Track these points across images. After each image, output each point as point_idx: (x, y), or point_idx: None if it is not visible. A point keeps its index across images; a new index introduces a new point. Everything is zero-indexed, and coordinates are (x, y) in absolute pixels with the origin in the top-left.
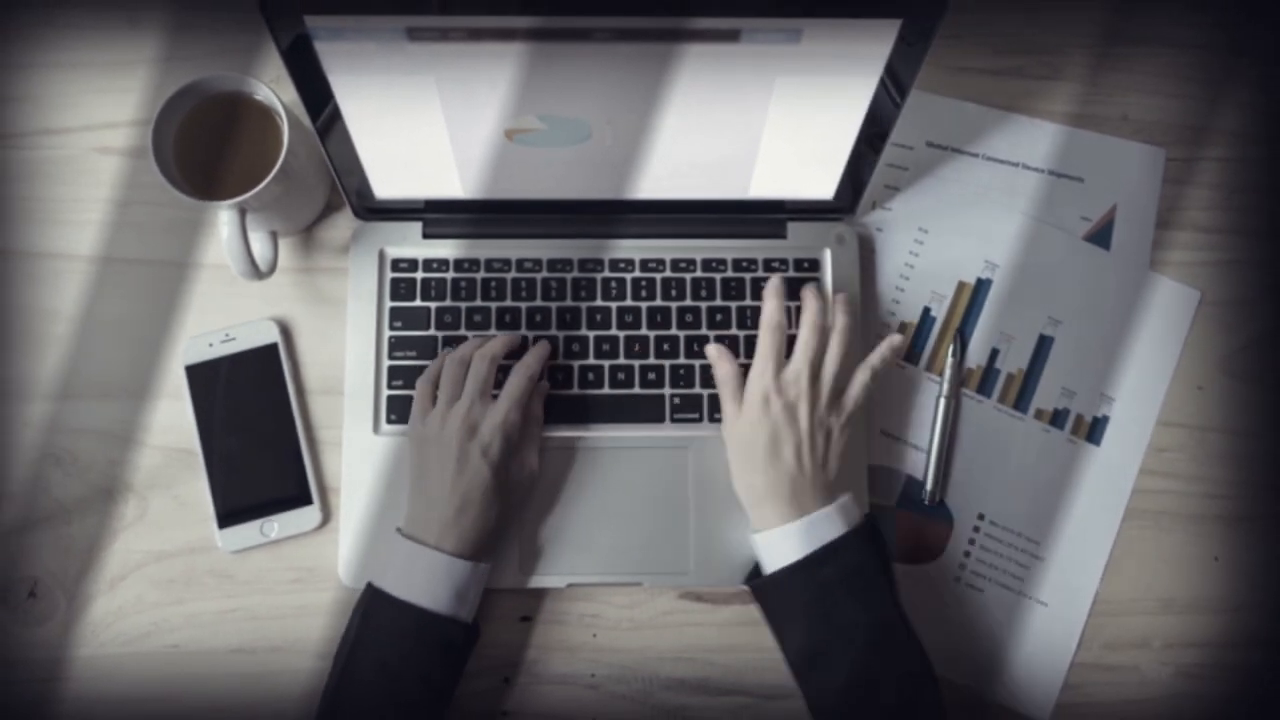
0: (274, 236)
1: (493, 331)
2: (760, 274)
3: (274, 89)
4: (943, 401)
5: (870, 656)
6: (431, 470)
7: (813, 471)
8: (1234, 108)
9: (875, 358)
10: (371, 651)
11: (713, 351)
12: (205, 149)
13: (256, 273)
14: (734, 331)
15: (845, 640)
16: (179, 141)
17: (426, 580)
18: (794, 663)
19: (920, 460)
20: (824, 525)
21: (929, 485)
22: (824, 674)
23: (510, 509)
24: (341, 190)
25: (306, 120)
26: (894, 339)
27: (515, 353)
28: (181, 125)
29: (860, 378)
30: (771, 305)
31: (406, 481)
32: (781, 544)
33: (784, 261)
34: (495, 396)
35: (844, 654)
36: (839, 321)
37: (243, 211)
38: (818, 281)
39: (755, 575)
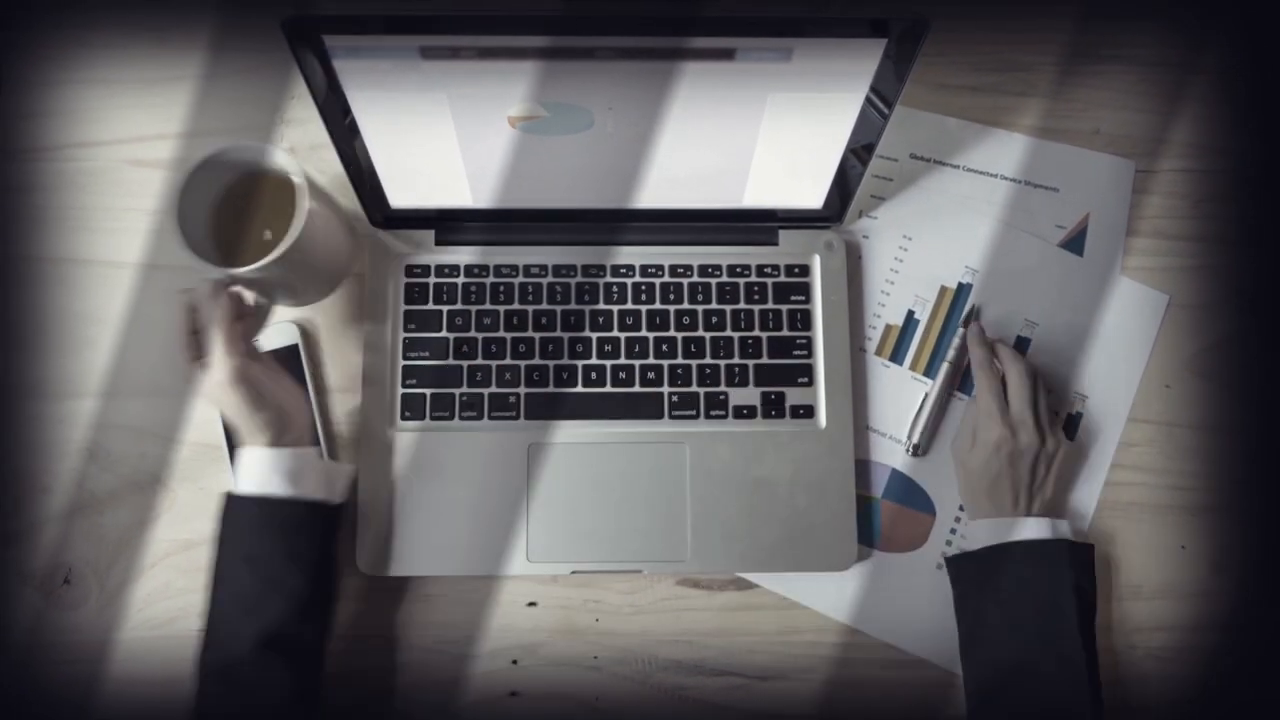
0: (267, 307)
1: (502, 334)
2: (753, 279)
3: (302, 168)
4: (946, 366)
5: (1049, 652)
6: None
7: (1029, 499)
8: (1198, 122)
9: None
10: (235, 547)
11: (980, 358)
12: (238, 216)
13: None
14: (729, 333)
15: (1014, 628)
16: (224, 207)
17: (260, 475)
18: (963, 640)
19: (906, 456)
20: (1032, 530)
21: (916, 437)
22: (993, 647)
23: (277, 389)
24: (358, 199)
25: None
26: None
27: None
28: (227, 192)
29: (1049, 411)
30: (980, 353)
31: (426, 475)
32: (989, 533)
33: (775, 267)
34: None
35: (1005, 642)
36: (1024, 364)
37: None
38: (976, 322)
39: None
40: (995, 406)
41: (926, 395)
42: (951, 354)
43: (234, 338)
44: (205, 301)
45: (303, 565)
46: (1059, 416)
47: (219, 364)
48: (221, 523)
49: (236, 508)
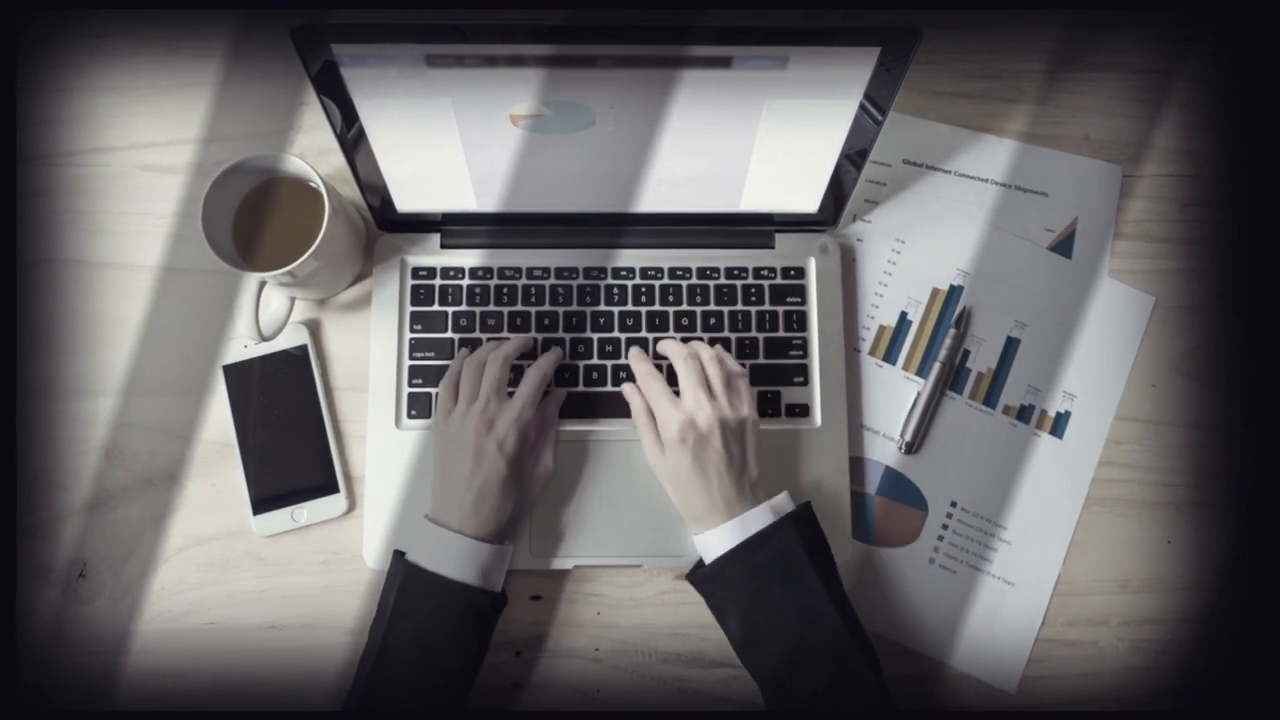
0: (292, 302)
1: (505, 334)
2: (750, 281)
3: (320, 175)
4: (938, 366)
5: (795, 636)
6: (452, 463)
7: (736, 479)
8: (1183, 128)
9: (731, 363)
10: (410, 622)
11: (628, 389)
12: (256, 219)
13: (260, 336)
14: (726, 334)
15: (775, 622)
16: (242, 212)
17: (455, 560)
18: (736, 646)
19: (899, 453)
20: (755, 520)
21: (909, 435)
22: (760, 654)
23: (526, 500)
24: (365, 203)
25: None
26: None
27: (529, 355)
28: (245, 198)
29: (744, 382)
30: (643, 367)
31: (430, 473)
32: (717, 541)
33: (772, 270)
34: (512, 394)
35: (775, 634)
36: (684, 348)
37: (262, 283)
38: (637, 347)
39: (696, 569)
40: (667, 403)
41: (919, 394)
42: (943, 354)
43: (548, 398)
44: (535, 387)
45: (468, 652)
46: (749, 389)
47: (548, 458)
48: (399, 592)
49: (420, 581)
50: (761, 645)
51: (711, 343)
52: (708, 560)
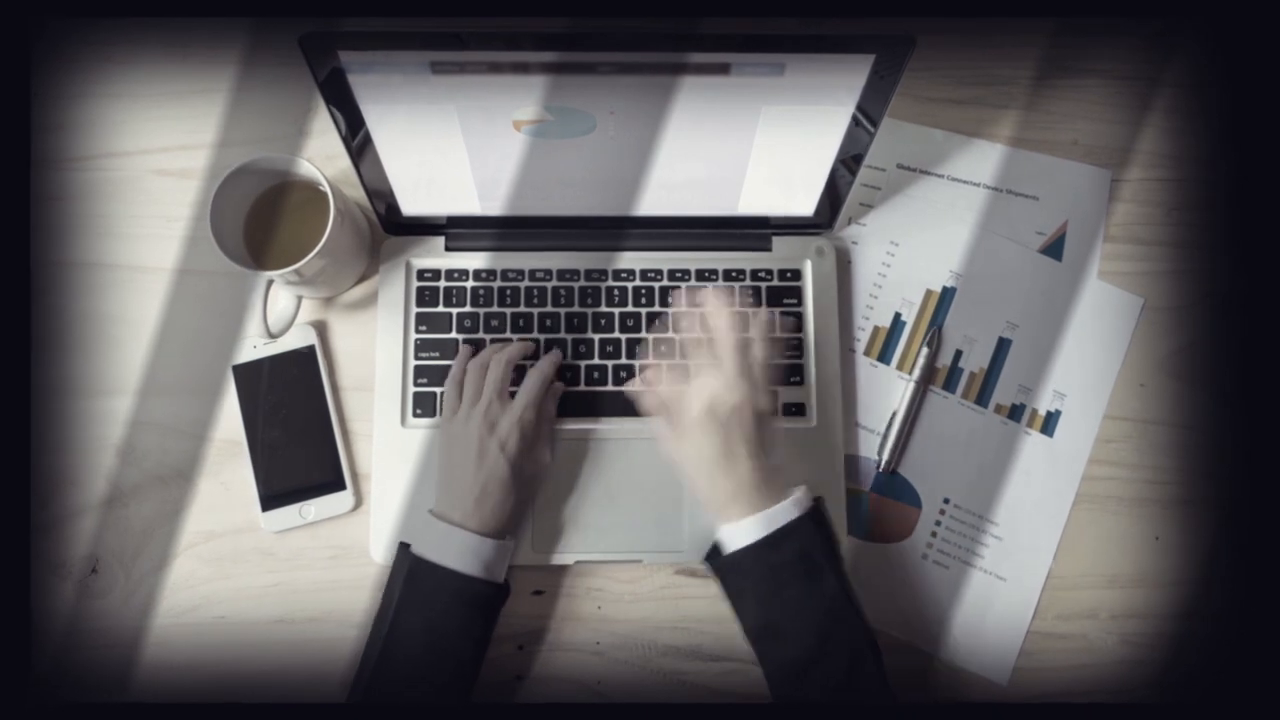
0: (299, 301)
1: (509, 335)
2: (748, 283)
3: (326, 176)
4: (912, 385)
5: (817, 631)
6: (456, 462)
7: (761, 466)
8: (1171, 133)
9: (766, 350)
10: (418, 612)
11: (635, 385)
12: (268, 222)
13: (268, 333)
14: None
15: (794, 616)
16: (254, 215)
17: (459, 553)
18: (751, 636)
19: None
20: (781, 515)
21: (885, 455)
22: (780, 644)
23: (526, 496)
24: (372, 207)
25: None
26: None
27: (531, 357)
28: (256, 201)
29: (764, 373)
30: (686, 322)
31: (435, 470)
32: (741, 533)
33: (769, 272)
34: (514, 394)
35: (794, 628)
36: (737, 325)
37: (270, 282)
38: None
39: (714, 555)
40: (706, 376)
41: (894, 414)
42: (917, 373)
43: (546, 396)
44: (536, 389)
45: (474, 640)
46: (768, 380)
47: (546, 455)
48: (405, 582)
49: (426, 573)
50: (783, 636)
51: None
52: (727, 547)
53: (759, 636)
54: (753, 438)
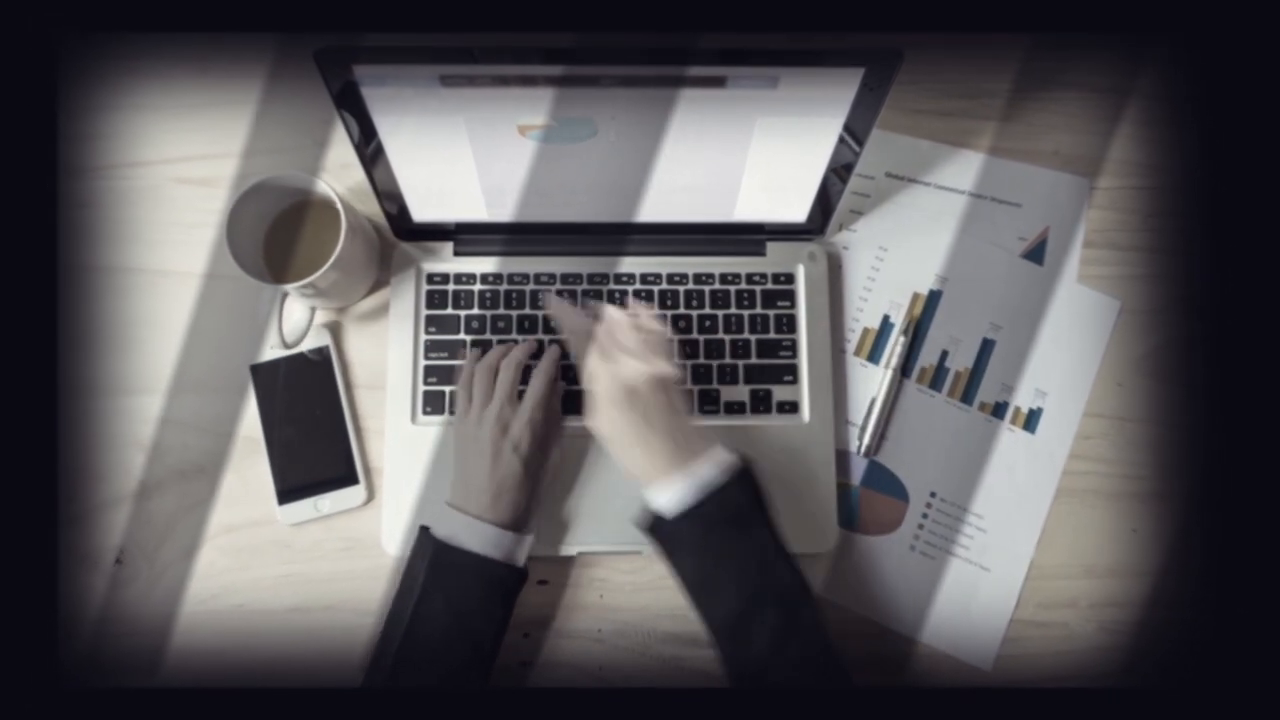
0: (313, 312)
1: (515, 336)
2: (743, 286)
3: (338, 194)
4: (889, 373)
5: (751, 579)
6: (471, 462)
7: (679, 430)
8: (1146, 143)
9: (649, 320)
10: (441, 595)
11: (547, 366)
12: (286, 237)
13: (283, 344)
14: (720, 336)
15: (729, 568)
16: (274, 230)
17: (481, 541)
18: (691, 593)
19: (859, 456)
20: (705, 472)
21: (866, 440)
22: (715, 599)
23: (538, 491)
24: (384, 212)
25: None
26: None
27: (535, 355)
28: (277, 219)
29: (661, 340)
30: (563, 312)
31: (446, 465)
32: (670, 494)
33: (763, 276)
34: (522, 394)
35: (729, 579)
36: (584, 317)
37: (284, 294)
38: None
39: (649, 521)
40: (596, 356)
41: (873, 400)
42: (894, 360)
43: (550, 394)
44: (542, 390)
45: (495, 622)
46: (667, 344)
47: (554, 451)
48: (430, 565)
49: (449, 554)
50: (717, 590)
51: (709, 344)
52: (659, 509)
53: (696, 594)
54: (665, 404)
